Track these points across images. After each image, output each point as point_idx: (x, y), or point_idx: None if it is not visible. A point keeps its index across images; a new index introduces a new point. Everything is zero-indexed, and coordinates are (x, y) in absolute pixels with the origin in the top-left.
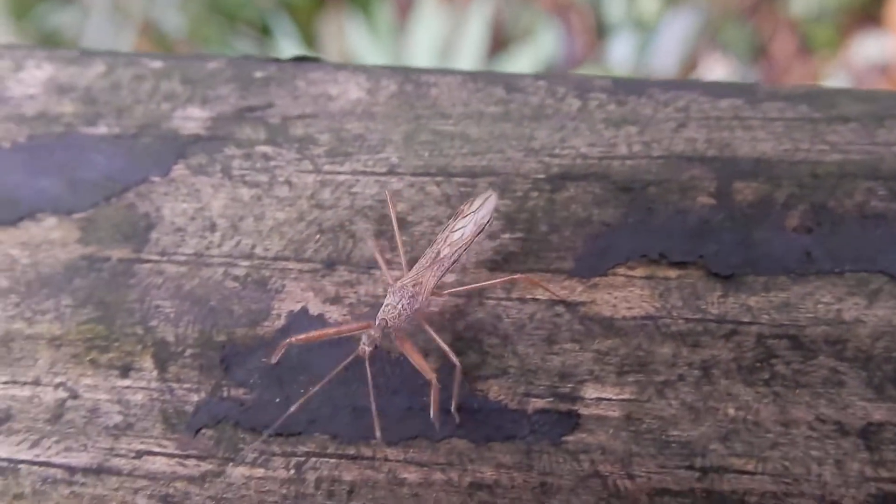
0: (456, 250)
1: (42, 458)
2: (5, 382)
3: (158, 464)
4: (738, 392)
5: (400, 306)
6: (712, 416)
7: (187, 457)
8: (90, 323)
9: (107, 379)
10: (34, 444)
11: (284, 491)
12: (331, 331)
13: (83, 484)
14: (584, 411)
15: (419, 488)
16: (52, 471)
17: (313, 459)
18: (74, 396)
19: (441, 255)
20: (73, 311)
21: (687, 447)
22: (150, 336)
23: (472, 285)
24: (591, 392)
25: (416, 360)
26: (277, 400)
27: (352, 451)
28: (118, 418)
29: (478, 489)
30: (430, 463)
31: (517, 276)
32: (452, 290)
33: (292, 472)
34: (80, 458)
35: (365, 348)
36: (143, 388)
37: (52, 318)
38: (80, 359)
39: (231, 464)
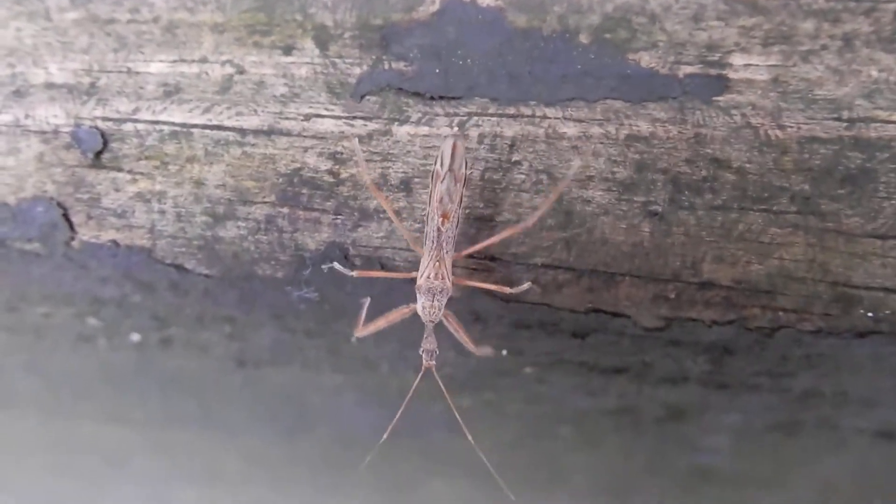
0: (453, 217)
1: (214, 122)
2: (173, 61)
3: (326, 125)
4: (879, 58)
5: (436, 303)
6: (856, 77)
7: (354, 118)
8: (251, 11)
9: (271, 56)
10: (206, 111)
11: None
12: (382, 322)
13: (254, 144)
14: (732, 75)
15: (578, 141)
16: (224, 133)
17: (475, 118)
18: (241, 72)
19: (442, 231)
20: (233, 2)
21: (833, 103)
22: (310, 21)
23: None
24: (738, 60)
25: (461, 334)
26: (437, 70)
27: (511, 110)
28: (284, 89)
29: (634, 140)
30: (588, 119)
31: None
32: (470, 250)
33: (455, 129)
34: (250, 122)
35: (431, 363)
36: (306, 63)
37: (214, 7)
38: (244, 41)
39: (396, 123)
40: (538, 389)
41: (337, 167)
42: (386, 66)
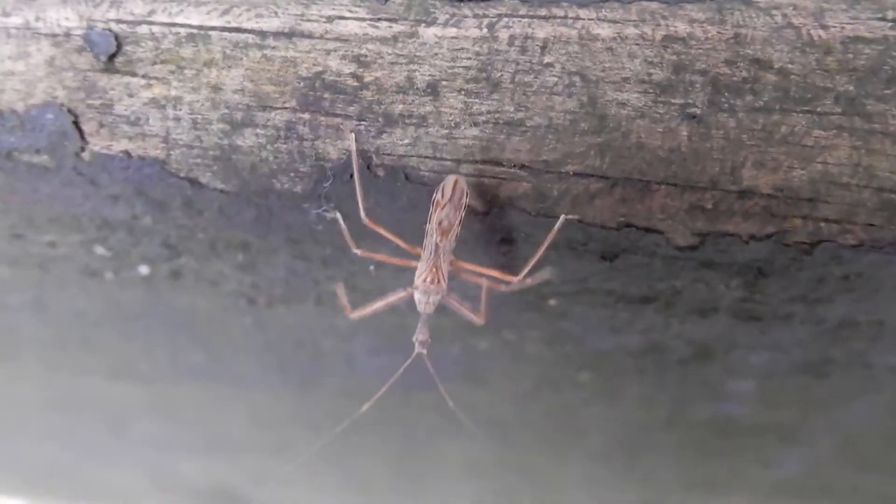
0: (451, 235)
1: (233, 24)
2: None
3: (350, 27)
4: None
5: (431, 300)
6: None
7: (378, 20)
8: None
9: None
10: (224, 13)
11: (477, 49)
12: (381, 303)
13: (274, 47)
14: None
15: (612, 42)
16: (242, 36)
17: (505, 19)
18: None
19: (440, 245)
20: None
21: (877, 3)
22: None
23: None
24: None
25: (464, 311)
26: None
27: (543, 11)
28: None
29: (672, 42)
30: (623, 20)
31: None
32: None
33: (485, 31)
34: (271, 23)
35: (422, 350)
36: None
37: None
38: None
39: (423, 25)
40: (560, 326)
41: (361, 70)
42: None
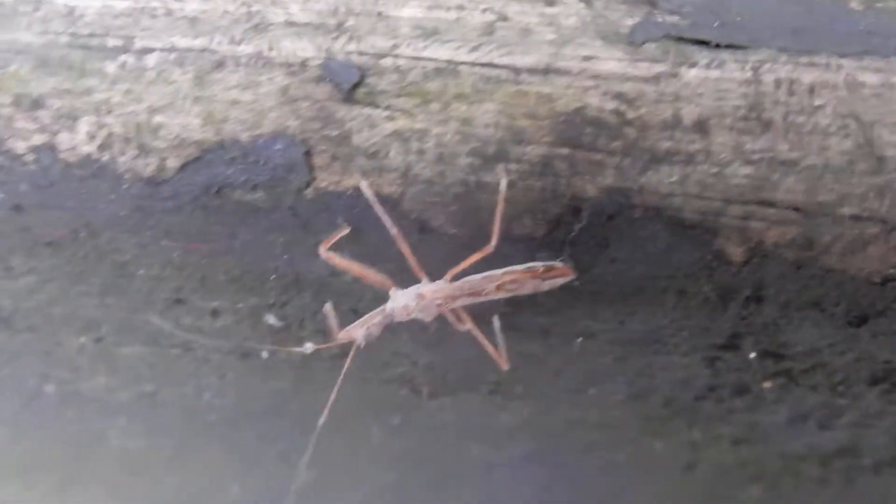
0: (495, 294)
1: (484, 60)
2: (428, 7)
3: (609, 66)
4: None
5: (413, 314)
6: None
7: (638, 60)
8: None
9: (534, 7)
10: (473, 50)
11: (744, 90)
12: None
13: (529, 83)
14: None
15: (881, 88)
16: (495, 71)
17: (767, 65)
18: (503, 19)
19: (481, 294)
20: None
21: None
22: None
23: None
24: None
25: (488, 348)
26: (714, 24)
27: (804, 59)
28: (553, 35)
29: None
30: (887, 69)
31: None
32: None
33: (748, 73)
34: (524, 61)
35: (361, 343)
36: (573, 15)
37: None
38: None
39: (684, 66)
40: (761, 416)
41: (623, 107)
42: (659, 20)
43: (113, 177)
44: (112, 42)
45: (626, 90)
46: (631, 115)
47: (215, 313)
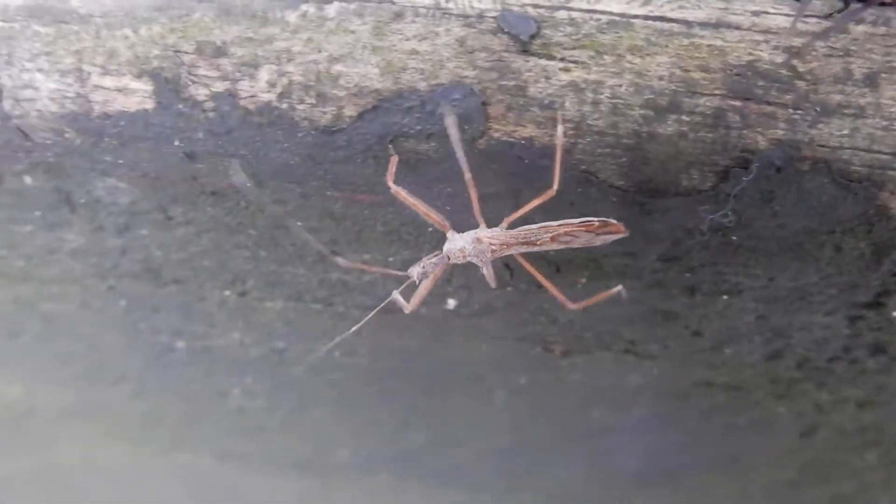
0: (553, 244)
1: (656, 14)
2: None
3: (778, 21)
4: None
5: (468, 257)
6: None
7: (806, 16)
8: None
9: None
10: (645, 4)
11: None
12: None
13: (701, 36)
14: None
15: None
16: (667, 25)
17: None
18: None
19: (538, 243)
20: None
21: None
22: None
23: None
24: None
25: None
26: None
27: None
28: None
29: None
30: None
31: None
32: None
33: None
34: (695, 14)
35: (415, 279)
36: None
37: None
38: None
39: (852, 23)
40: None
41: (794, 61)
42: None
43: (290, 125)
44: None
45: (797, 44)
46: (802, 68)
47: (361, 273)
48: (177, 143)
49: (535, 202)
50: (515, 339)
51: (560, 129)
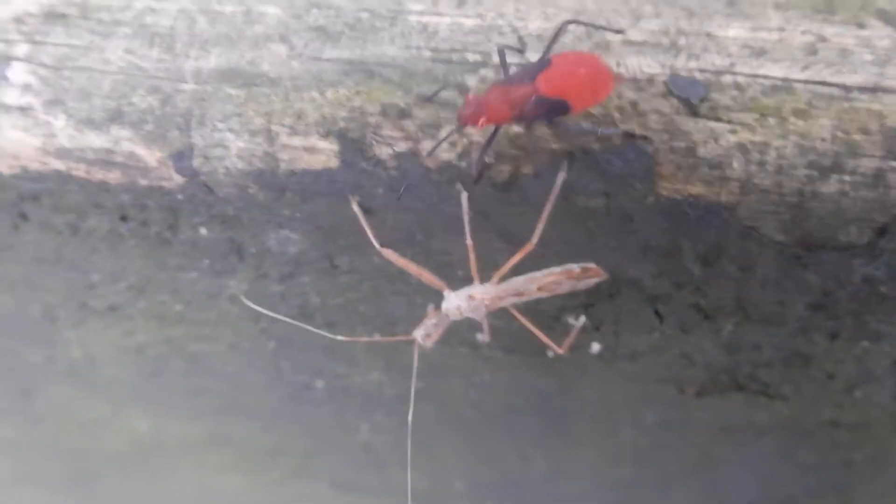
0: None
1: (815, 79)
2: (752, 28)
3: None
4: None
5: (464, 314)
6: None
7: None
8: None
9: (847, 29)
10: (804, 68)
11: None
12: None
13: (860, 100)
14: None
15: None
16: (826, 89)
17: None
18: (823, 40)
19: (525, 294)
20: None
21: None
22: (871, 5)
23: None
24: None
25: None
26: None
27: None
28: (870, 57)
29: None
30: None
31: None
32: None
33: None
34: (852, 79)
35: (424, 344)
36: (885, 38)
37: None
38: (812, 18)
39: None
40: None
41: None
42: None
43: (465, 182)
44: (471, 57)
45: None
46: None
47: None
48: (359, 198)
49: (517, 258)
50: (652, 381)
51: (560, 177)
